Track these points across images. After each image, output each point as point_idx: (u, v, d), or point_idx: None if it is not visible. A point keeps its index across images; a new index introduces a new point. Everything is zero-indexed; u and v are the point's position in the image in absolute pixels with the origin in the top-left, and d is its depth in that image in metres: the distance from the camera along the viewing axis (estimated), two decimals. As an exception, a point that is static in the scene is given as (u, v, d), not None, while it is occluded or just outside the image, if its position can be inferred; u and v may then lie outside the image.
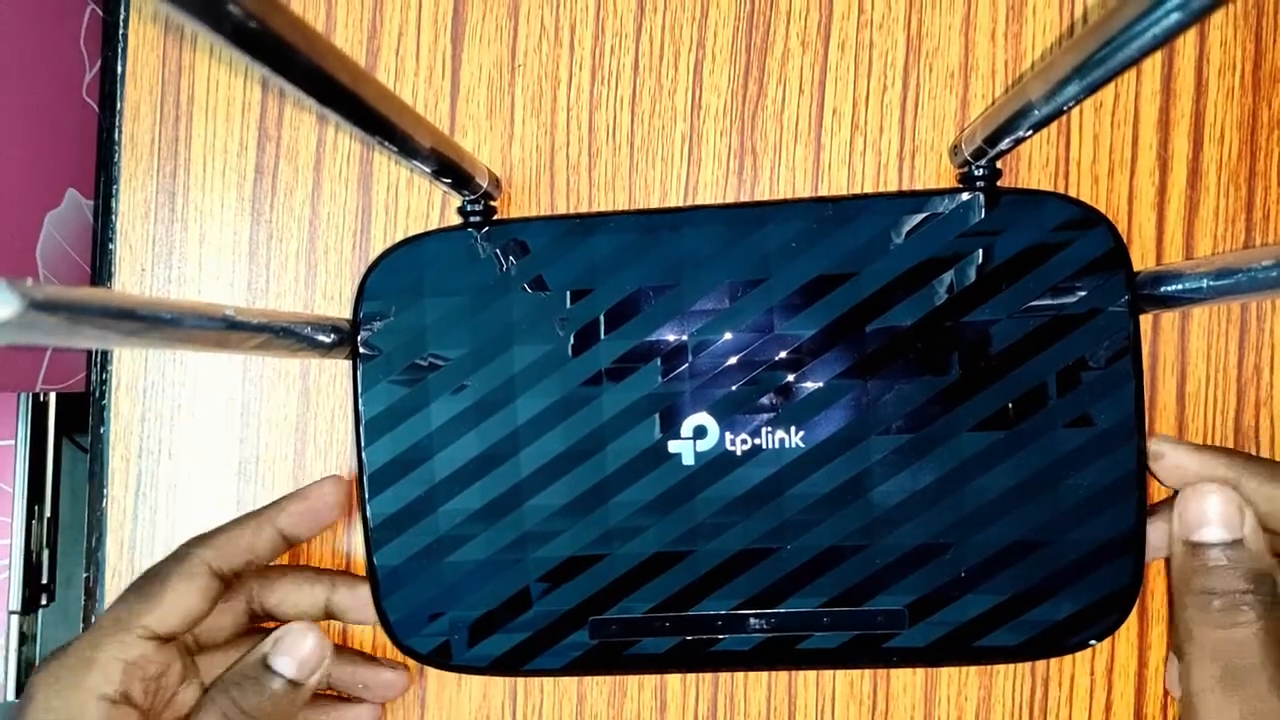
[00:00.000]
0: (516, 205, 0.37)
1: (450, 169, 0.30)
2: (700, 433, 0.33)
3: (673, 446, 0.33)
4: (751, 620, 0.33)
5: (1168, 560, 0.33)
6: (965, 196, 0.33)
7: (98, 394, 0.39)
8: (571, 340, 0.33)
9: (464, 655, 0.34)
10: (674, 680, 0.37)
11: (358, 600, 0.35)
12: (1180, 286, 0.30)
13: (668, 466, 0.33)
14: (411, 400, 0.34)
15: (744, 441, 0.33)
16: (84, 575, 0.39)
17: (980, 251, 0.32)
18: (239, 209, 0.38)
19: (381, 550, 0.34)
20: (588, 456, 0.33)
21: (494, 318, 0.34)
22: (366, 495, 0.34)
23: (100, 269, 0.39)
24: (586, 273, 0.33)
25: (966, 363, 0.32)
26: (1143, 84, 0.35)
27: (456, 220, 0.35)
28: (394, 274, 0.34)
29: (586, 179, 0.37)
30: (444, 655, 0.35)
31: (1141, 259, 0.35)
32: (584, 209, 0.37)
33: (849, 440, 0.33)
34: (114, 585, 0.38)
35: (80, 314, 0.19)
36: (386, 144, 0.25)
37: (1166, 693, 0.35)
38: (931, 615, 0.33)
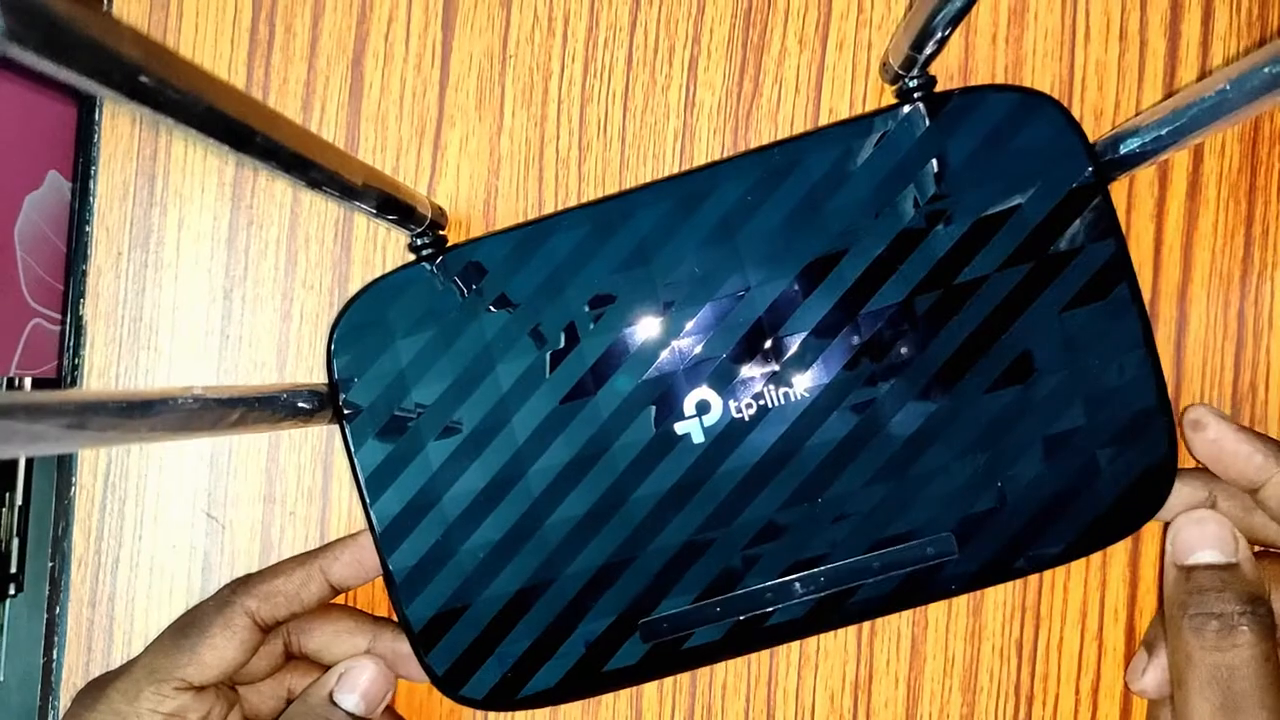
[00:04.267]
0: (504, 199, 0.36)
1: (390, 204, 0.29)
2: (703, 407, 0.32)
3: (679, 428, 0.32)
4: (800, 585, 0.32)
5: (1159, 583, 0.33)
6: (905, 110, 0.32)
7: (69, 380, 0.38)
8: (552, 348, 0.32)
9: (521, 691, 0.33)
10: (650, 692, 0.36)
11: (399, 653, 0.33)
12: (1140, 141, 0.29)
13: (678, 450, 0.32)
14: (406, 447, 0.33)
15: (749, 405, 0.32)
16: (49, 565, 0.38)
17: (935, 161, 0.32)
18: (219, 193, 0.37)
19: (412, 605, 0.33)
20: (596, 460, 0.32)
21: (468, 345, 0.33)
22: (384, 552, 0.33)
23: (76, 251, 0.38)
24: (550, 277, 0.32)
25: (950, 273, 0.32)
26: (1144, 94, 0.35)
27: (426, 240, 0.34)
28: (359, 326, 0.33)
29: (576, 173, 0.36)
30: (501, 697, 0.33)
31: (1139, 268, 0.34)
32: (573, 204, 0.36)
33: (853, 378, 0.32)
34: (79, 575, 0.37)
35: (31, 419, 0.18)
36: (318, 186, 0.24)
37: (1153, 714, 0.35)
38: (979, 534, 0.32)
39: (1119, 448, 0.31)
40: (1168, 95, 0.35)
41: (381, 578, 0.33)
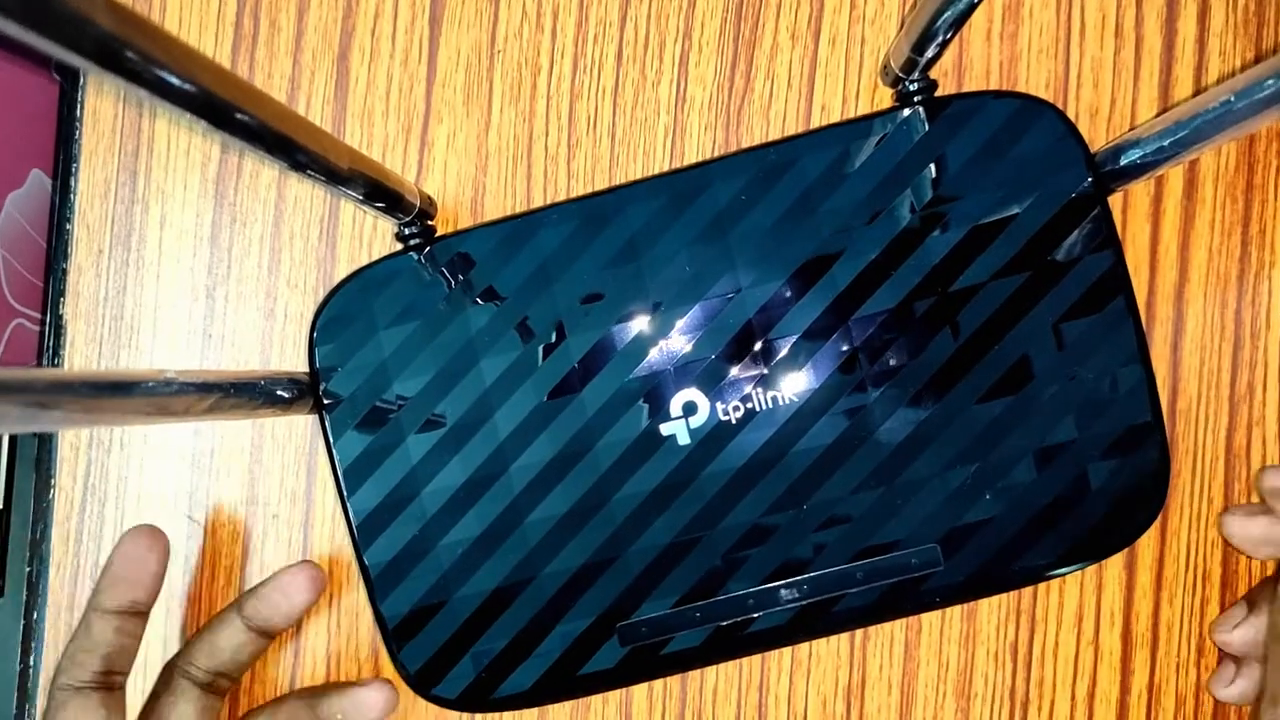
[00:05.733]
0: (492, 196, 0.35)
1: (377, 191, 0.29)
2: (690, 409, 0.32)
3: (664, 429, 0.32)
4: (783, 592, 0.32)
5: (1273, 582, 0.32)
6: (905, 113, 0.31)
7: (49, 379, 0.37)
8: (538, 343, 0.32)
9: (496, 692, 0.33)
10: (640, 696, 0.35)
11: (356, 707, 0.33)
12: (1141, 152, 0.29)
13: (663, 451, 0.32)
14: (386, 439, 0.32)
15: (736, 408, 0.32)
16: (27, 569, 0.38)
17: (933, 166, 0.31)
18: (202, 190, 0.36)
19: (387, 600, 0.32)
20: (579, 458, 0.32)
21: (453, 337, 0.32)
22: (359, 546, 0.32)
23: (56, 249, 0.38)
24: (539, 271, 0.32)
25: (944, 279, 0.31)
26: (1140, 91, 0.34)
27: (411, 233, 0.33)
28: (342, 315, 0.32)
29: (565, 170, 0.35)
30: (475, 697, 0.33)
31: (1136, 268, 0.34)
32: (561, 200, 0.35)
33: (842, 384, 0.31)
34: (58, 579, 0.37)
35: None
36: (302, 170, 0.23)
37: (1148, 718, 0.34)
38: (965, 546, 0.31)
39: (1111, 462, 0.31)
40: (1164, 92, 0.34)
41: (360, 574, 0.33)
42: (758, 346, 0.32)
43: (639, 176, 0.35)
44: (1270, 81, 0.23)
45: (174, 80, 0.18)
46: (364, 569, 0.32)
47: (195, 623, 0.36)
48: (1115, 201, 0.34)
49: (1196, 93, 0.34)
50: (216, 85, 0.19)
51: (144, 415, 0.23)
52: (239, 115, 0.20)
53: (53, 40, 0.15)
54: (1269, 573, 0.34)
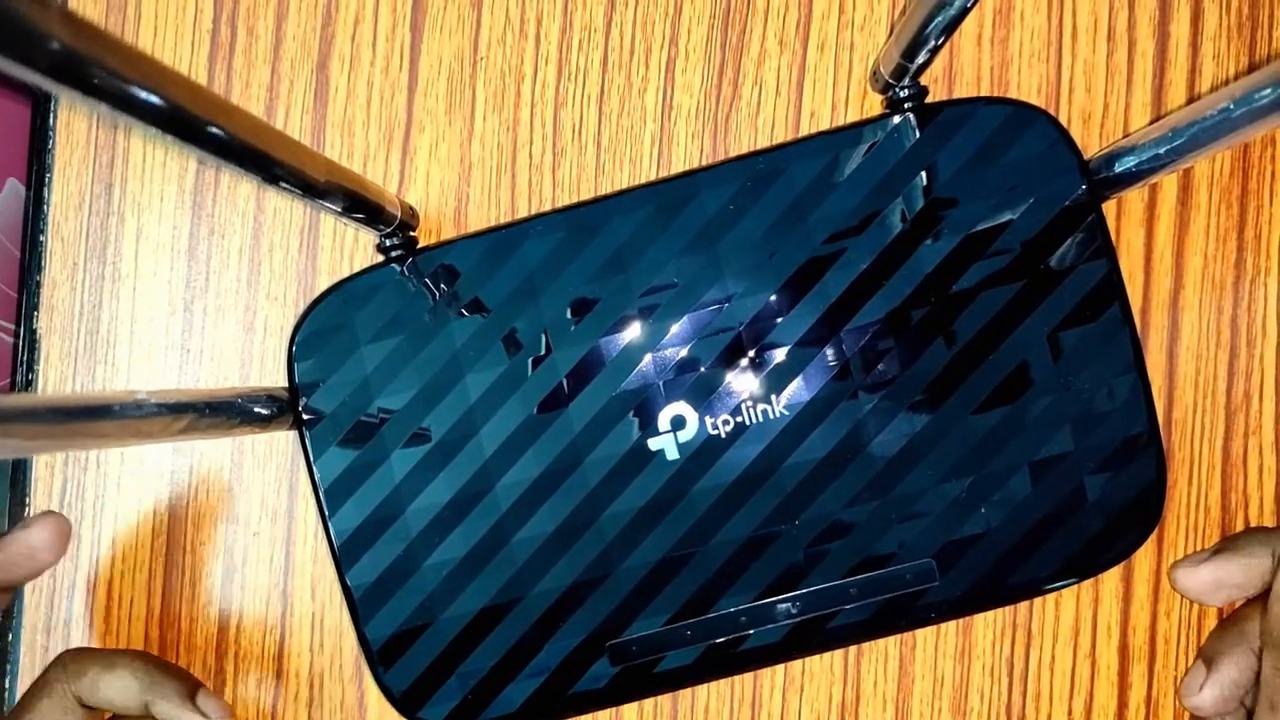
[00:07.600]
0: (476, 206, 0.35)
1: (357, 203, 0.28)
2: (678, 423, 0.31)
3: (653, 444, 0.31)
4: (776, 609, 0.31)
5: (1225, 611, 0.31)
6: (895, 120, 0.31)
7: (24, 396, 0.37)
8: (524, 356, 0.31)
9: (483, 713, 0.32)
10: (630, 717, 0.34)
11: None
12: (1136, 160, 0.29)
13: (653, 466, 0.31)
14: (368, 456, 0.31)
15: (725, 422, 0.31)
16: (2, 590, 0.37)
17: (924, 174, 0.31)
18: (179, 202, 0.35)
19: (371, 622, 0.32)
20: (567, 475, 0.31)
21: (437, 351, 0.31)
22: (342, 567, 0.32)
23: (30, 262, 0.37)
24: (525, 283, 0.31)
25: (937, 289, 0.31)
26: (1133, 95, 0.34)
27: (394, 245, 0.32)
28: (323, 329, 0.32)
29: (550, 179, 0.35)
30: (462, 718, 0.32)
31: (1130, 275, 0.33)
32: (546, 211, 0.35)
33: (834, 396, 0.31)
34: (33, 600, 0.36)
35: None
36: (277, 183, 0.23)
37: (1148, 734, 0.34)
38: (960, 561, 0.31)
39: (1108, 474, 0.31)
40: (1157, 96, 0.34)
41: (342, 595, 0.32)
42: (748, 359, 0.31)
43: (625, 186, 0.34)
44: (1268, 89, 0.23)
45: (139, 94, 0.17)
46: (346, 590, 0.32)
47: (176, 646, 0.35)
48: (1109, 207, 0.33)
49: (1191, 97, 0.34)
50: (185, 99, 0.19)
51: (115, 439, 0.22)
52: (209, 129, 0.20)
53: (5, 57, 0.14)
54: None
